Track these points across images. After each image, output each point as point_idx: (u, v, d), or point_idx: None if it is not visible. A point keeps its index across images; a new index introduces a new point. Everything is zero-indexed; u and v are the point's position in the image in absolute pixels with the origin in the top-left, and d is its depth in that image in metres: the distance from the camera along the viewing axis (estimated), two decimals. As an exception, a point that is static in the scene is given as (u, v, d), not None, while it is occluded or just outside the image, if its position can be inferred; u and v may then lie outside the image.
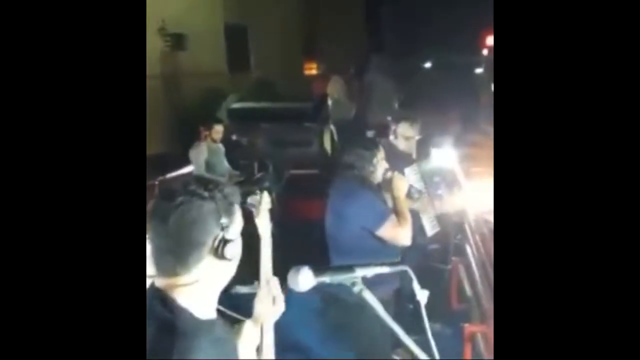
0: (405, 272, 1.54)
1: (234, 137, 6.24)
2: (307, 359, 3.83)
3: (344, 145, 3.16)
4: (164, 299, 1.14)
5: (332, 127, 7.45)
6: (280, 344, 1.54)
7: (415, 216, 3.32)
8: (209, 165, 5.54)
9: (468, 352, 3.11)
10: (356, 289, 1.42)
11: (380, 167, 2.92)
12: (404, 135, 3.62)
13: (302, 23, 13.11)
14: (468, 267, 3.97)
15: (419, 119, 3.72)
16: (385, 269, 1.50)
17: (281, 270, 1.48)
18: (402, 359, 3.24)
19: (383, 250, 2.79)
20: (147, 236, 1.14)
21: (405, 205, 2.93)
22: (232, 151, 6.13)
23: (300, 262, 1.40)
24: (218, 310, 1.24)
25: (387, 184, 2.94)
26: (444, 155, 3.85)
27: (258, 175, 5.94)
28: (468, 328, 3.12)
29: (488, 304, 3.06)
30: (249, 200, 1.36)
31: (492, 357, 2.82)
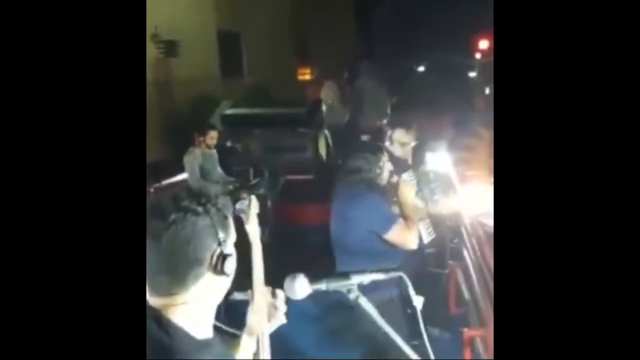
0: (402, 278, 1.54)
1: (228, 144, 6.23)
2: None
3: (349, 149, 3.14)
4: (159, 319, 1.09)
5: (326, 132, 7.45)
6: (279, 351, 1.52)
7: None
8: (203, 172, 5.52)
9: (467, 357, 3.10)
10: (352, 295, 1.42)
11: (386, 170, 2.93)
12: (400, 142, 3.62)
13: (294, 28, 13.13)
14: (465, 271, 3.96)
15: (414, 125, 3.72)
16: (380, 276, 1.49)
17: (277, 277, 1.46)
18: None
19: (389, 254, 2.78)
20: None
21: (412, 209, 2.95)
22: (227, 157, 6.12)
23: (295, 267, 1.40)
24: (214, 326, 1.20)
25: (392, 187, 2.95)
26: (439, 159, 3.85)
27: (253, 181, 5.93)
28: (467, 332, 3.12)
29: (486, 308, 3.05)
30: (238, 205, 1.30)
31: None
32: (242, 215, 1.38)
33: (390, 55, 15.77)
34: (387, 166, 2.95)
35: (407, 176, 3.36)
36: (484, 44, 15.33)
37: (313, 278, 1.39)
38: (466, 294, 3.87)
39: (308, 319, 4.28)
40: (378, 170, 2.90)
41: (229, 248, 1.15)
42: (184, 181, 5.40)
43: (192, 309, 1.12)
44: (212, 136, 5.67)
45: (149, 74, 7.46)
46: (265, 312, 1.41)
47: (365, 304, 1.44)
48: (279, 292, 1.45)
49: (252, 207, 1.37)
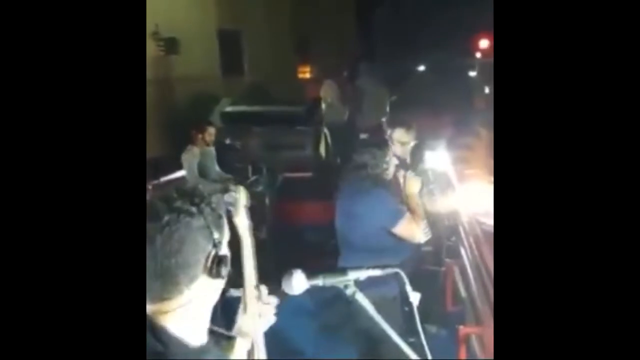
0: (399, 275, 1.55)
1: (227, 141, 6.23)
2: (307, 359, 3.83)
3: (356, 144, 3.17)
4: (153, 327, 1.04)
5: (325, 130, 7.45)
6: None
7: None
8: (201, 169, 5.53)
9: (463, 354, 3.12)
10: (349, 291, 1.43)
11: (392, 165, 2.96)
12: (400, 141, 3.64)
13: (295, 27, 13.12)
14: (462, 269, 3.98)
15: (414, 125, 3.74)
16: (377, 272, 1.51)
17: (275, 274, 1.48)
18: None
19: (393, 250, 2.80)
20: None
21: (418, 203, 2.98)
22: (226, 155, 6.12)
23: (293, 265, 1.41)
24: (208, 329, 1.16)
25: (397, 182, 2.97)
26: (438, 158, 3.86)
27: (252, 178, 5.93)
28: (463, 330, 3.14)
29: (482, 306, 3.07)
30: (226, 198, 1.23)
31: (486, 359, 2.83)
32: (231, 209, 1.28)
33: (390, 54, 15.78)
34: (393, 161, 2.98)
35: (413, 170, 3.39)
36: (484, 44, 15.33)
37: (310, 274, 1.41)
38: (463, 292, 3.89)
39: (305, 315, 4.30)
40: (384, 165, 2.93)
41: (224, 249, 1.11)
42: (181, 178, 5.40)
43: (186, 314, 1.08)
44: (210, 133, 5.67)
45: (149, 72, 7.46)
46: (257, 310, 1.35)
47: (362, 299, 1.45)
48: (262, 288, 1.38)
49: (241, 200, 1.28)
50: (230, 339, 1.31)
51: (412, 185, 3.01)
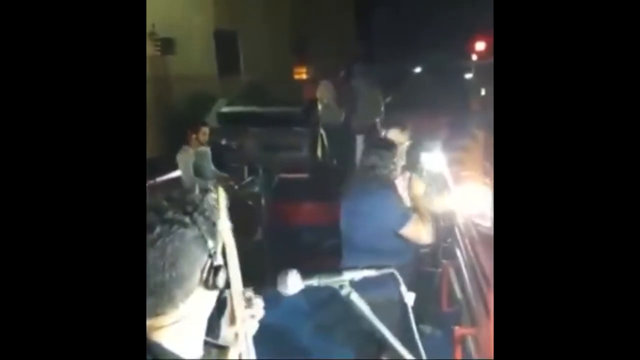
0: (394, 275, 1.55)
1: (223, 141, 6.23)
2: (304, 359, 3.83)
3: (366, 147, 3.17)
4: (147, 343, 0.99)
5: (322, 131, 7.46)
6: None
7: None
8: (196, 169, 5.53)
9: (458, 354, 3.13)
10: (344, 292, 1.43)
11: (399, 166, 2.96)
12: (395, 140, 3.64)
13: (292, 28, 13.13)
14: (458, 270, 3.98)
15: (409, 125, 3.75)
16: (372, 272, 1.51)
17: (271, 275, 1.47)
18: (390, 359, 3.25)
19: (398, 252, 2.81)
20: None
21: (424, 204, 2.98)
22: (222, 155, 6.12)
23: (289, 266, 1.40)
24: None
25: (403, 183, 2.97)
26: (434, 159, 3.87)
27: (248, 179, 5.93)
28: (458, 331, 3.14)
29: (478, 307, 3.07)
30: (207, 199, 1.15)
31: (482, 359, 2.83)
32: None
33: (388, 55, 15.79)
34: (399, 162, 2.99)
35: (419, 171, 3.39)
36: (480, 46, 15.37)
37: (305, 274, 1.40)
38: (458, 293, 3.90)
39: (301, 315, 4.30)
40: (392, 166, 2.93)
41: (220, 259, 1.06)
42: (173, 181, 5.38)
43: (182, 328, 1.02)
44: (205, 132, 5.67)
45: (146, 72, 7.45)
46: (244, 315, 1.25)
47: (357, 300, 1.45)
48: (253, 293, 1.31)
49: (221, 201, 1.25)
50: (223, 349, 1.25)
51: (418, 186, 3.01)
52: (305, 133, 7.26)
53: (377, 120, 6.90)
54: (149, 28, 7.50)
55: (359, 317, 1.45)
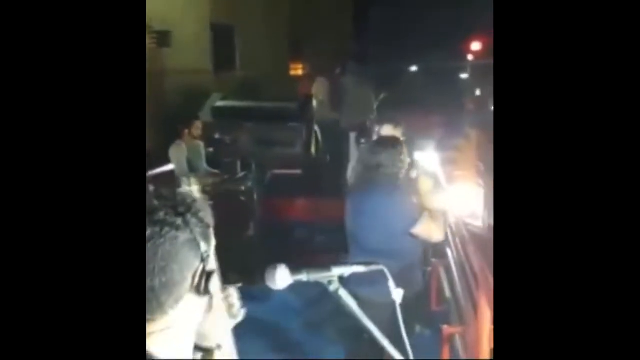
0: (383, 272, 1.55)
1: (217, 136, 6.22)
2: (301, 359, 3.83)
3: (372, 145, 3.10)
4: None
5: (316, 127, 7.45)
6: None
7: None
8: (189, 164, 5.52)
9: (446, 354, 3.14)
10: (332, 287, 1.43)
11: (406, 164, 2.94)
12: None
13: (289, 24, 13.10)
14: (448, 269, 4.00)
15: (402, 122, 3.76)
16: (361, 269, 1.51)
17: (262, 270, 1.47)
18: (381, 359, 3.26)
19: (408, 249, 2.80)
20: None
21: (432, 202, 2.96)
22: (215, 150, 6.11)
23: (280, 262, 1.40)
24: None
25: (411, 181, 2.95)
26: (427, 158, 3.88)
27: (241, 174, 5.92)
28: (447, 329, 3.16)
29: (467, 306, 3.09)
30: (179, 191, 1.10)
31: (469, 358, 2.85)
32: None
33: (384, 54, 15.81)
34: (406, 160, 2.96)
35: (424, 169, 3.38)
36: (476, 46, 15.42)
37: (294, 269, 1.40)
38: (447, 292, 3.92)
39: (292, 312, 4.31)
40: (400, 165, 2.89)
41: (212, 263, 1.01)
42: (164, 176, 5.35)
43: (171, 336, 0.97)
44: (198, 127, 5.66)
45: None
46: (223, 313, 1.21)
47: (346, 296, 1.45)
48: (233, 290, 1.26)
49: (194, 193, 1.20)
50: (207, 351, 1.20)
51: (425, 183, 2.98)
52: (300, 129, 7.25)
53: (371, 117, 6.92)
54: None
55: (349, 314, 1.46)
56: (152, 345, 0.95)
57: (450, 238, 3.88)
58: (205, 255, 0.98)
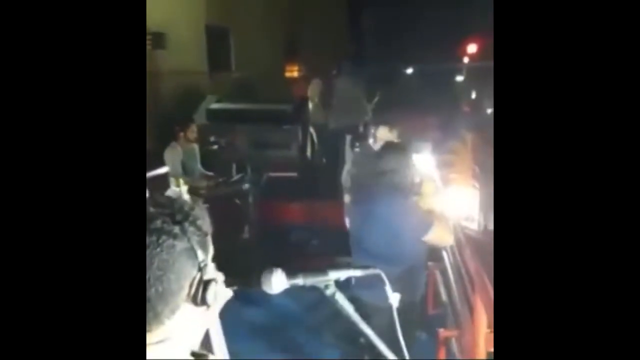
0: (380, 276, 1.54)
1: (212, 138, 6.20)
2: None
3: (380, 151, 3.05)
4: None
5: (312, 130, 7.44)
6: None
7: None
8: (185, 167, 5.51)
9: (442, 357, 3.14)
10: (329, 291, 1.42)
11: (413, 169, 2.92)
12: (383, 139, 3.66)
13: (284, 26, 13.10)
14: (444, 273, 4.00)
15: (397, 123, 3.76)
16: (357, 273, 1.50)
17: (258, 273, 1.46)
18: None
19: (415, 255, 2.80)
20: None
21: (436, 206, 2.95)
22: (210, 152, 6.09)
23: (276, 265, 1.39)
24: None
25: (414, 186, 2.94)
26: (423, 160, 3.88)
27: (236, 177, 5.90)
28: (443, 333, 3.15)
29: (463, 309, 3.08)
30: (168, 192, 1.06)
31: (465, 362, 2.84)
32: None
33: (379, 56, 15.84)
34: (413, 165, 2.94)
35: (429, 174, 3.37)
36: (472, 49, 15.47)
37: (290, 273, 1.39)
38: (444, 296, 3.91)
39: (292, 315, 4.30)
40: (408, 171, 2.87)
41: (210, 272, 0.99)
42: (163, 177, 5.33)
43: (167, 349, 0.95)
44: (193, 130, 5.66)
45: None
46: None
47: (342, 300, 1.44)
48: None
49: (183, 195, 1.17)
50: (201, 356, 1.16)
51: (429, 187, 2.96)
52: (295, 131, 7.22)
53: (363, 119, 6.92)
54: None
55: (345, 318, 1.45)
56: (148, 356, 0.92)
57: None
58: (202, 265, 0.96)
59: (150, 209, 0.94)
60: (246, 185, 5.52)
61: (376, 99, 8.38)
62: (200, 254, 0.96)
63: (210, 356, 1.15)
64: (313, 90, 8.11)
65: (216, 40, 10.23)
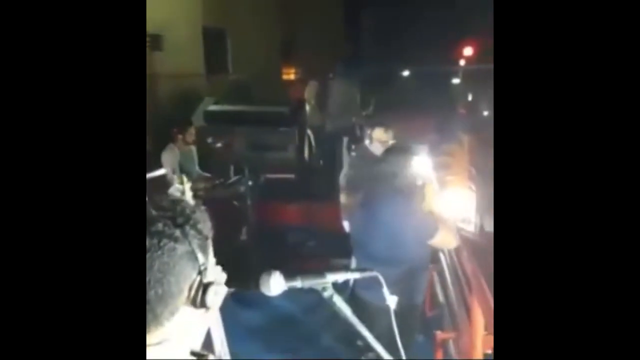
0: (377, 278, 1.55)
1: (209, 140, 6.20)
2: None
3: (385, 154, 3.01)
4: None
5: (309, 132, 7.44)
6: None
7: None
8: (182, 168, 5.51)
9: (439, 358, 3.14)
10: (326, 294, 1.43)
11: (416, 172, 2.91)
12: (379, 140, 3.68)
13: (281, 28, 13.11)
14: (441, 275, 4.00)
15: (392, 125, 3.77)
16: (355, 275, 1.51)
17: (256, 275, 1.46)
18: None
19: (419, 258, 2.80)
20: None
21: (438, 208, 2.94)
22: (208, 154, 6.09)
23: (274, 267, 1.40)
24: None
25: (417, 189, 2.93)
26: (419, 162, 3.88)
27: (234, 179, 5.90)
28: (440, 335, 3.16)
29: (460, 311, 3.09)
30: (171, 190, 1.05)
31: (462, 363, 2.85)
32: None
33: (376, 57, 15.85)
34: (417, 169, 2.92)
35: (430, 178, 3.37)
36: (468, 51, 15.49)
37: (288, 275, 1.40)
38: (441, 297, 3.92)
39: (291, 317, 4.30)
40: (412, 174, 2.86)
41: (210, 276, 0.99)
42: (160, 179, 5.33)
43: (167, 348, 0.96)
44: (191, 133, 5.67)
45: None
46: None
47: (340, 302, 1.45)
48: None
49: (187, 194, 1.18)
50: (202, 356, 1.16)
51: (431, 190, 2.95)
52: (292, 133, 7.23)
53: (359, 119, 6.93)
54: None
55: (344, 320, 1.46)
56: (148, 357, 0.93)
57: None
58: (202, 268, 0.96)
59: (152, 212, 0.94)
60: (244, 187, 5.52)
61: (371, 107, 8.39)
62: (200, 257, 0.96)
63: (211, 356, 1.15)
64: (310, 92, 8.12)
65: (213, 42, 10.23)
